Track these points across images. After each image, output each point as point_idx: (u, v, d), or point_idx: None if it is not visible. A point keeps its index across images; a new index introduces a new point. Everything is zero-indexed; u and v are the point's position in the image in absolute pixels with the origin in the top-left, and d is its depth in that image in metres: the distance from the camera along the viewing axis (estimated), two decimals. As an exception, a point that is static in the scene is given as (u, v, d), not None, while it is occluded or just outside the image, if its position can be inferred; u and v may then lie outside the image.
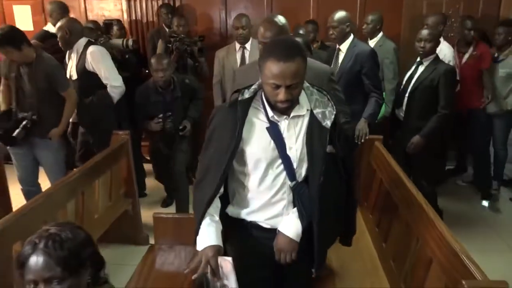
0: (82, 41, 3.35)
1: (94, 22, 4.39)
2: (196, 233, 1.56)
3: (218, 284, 1.50)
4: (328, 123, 1.53)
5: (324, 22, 4.59)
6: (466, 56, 3.87)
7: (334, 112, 1.55)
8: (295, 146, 1.54)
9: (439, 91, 3.12)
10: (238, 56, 3.69)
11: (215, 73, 3.82)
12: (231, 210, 1.67)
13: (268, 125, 1.53)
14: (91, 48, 3.31)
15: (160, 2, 4.90)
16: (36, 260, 1.16)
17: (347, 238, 1.85)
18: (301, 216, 1.56)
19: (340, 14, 3.20)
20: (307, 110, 1.56)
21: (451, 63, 3.68)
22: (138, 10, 5.03)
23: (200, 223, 1.55)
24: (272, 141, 1.52)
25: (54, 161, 3.24)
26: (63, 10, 4.05)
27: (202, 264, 1.47)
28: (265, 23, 1.98)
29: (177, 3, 4.93)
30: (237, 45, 3.71)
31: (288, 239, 1.57)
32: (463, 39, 3.81)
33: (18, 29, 3.05)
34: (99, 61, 3.29)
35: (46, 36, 3.95)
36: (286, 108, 1.49)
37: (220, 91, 3.78)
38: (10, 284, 1.86)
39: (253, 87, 1.57)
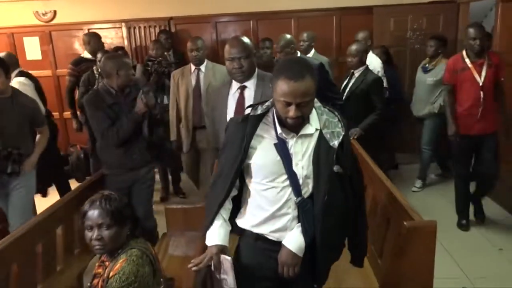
0: (16, 71, 3.98)
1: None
2: (206, 229, 1.67)
3: (218, 276, 1.64)
4: (335, 143, 1.57)
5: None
6: (484, 68, 3.43)
7: (343, 133, 1.60)
8: (302, 163, 1.58)
9: (371, 98, 3.69)
10: (193, 77, 3.73)
11: (171, 95, 3.84)
12: (239, 221, 1.74)
13: (276, 141, 1.59)
14: (15, 79, 3.84)
15: (157, 29, 5.47)
16: (93, 211, 1.66)
17: (358, 259, 1.85)
18: (305, 232, 1.60)
19: (282, 40, 3.66)
20: (316, 129, 1.60)
21: (379, 73, 4.16)
22: (138, 36, 5.59)
23: (211, 222, 1.65)
24: (279, 157, 1.58)
25: (27, 201, 3.08)
26: (98, 39, 4.71)
27: (206, 259, 1.60)
28: (231, 41, 2.33)
29: (173, 29, 5.50)
30: (192, 67, 3.75)
31: (292, 253, 1.62)
32: (471, 50, 3.46)
33: (6, 62, 3.05)
34: None
35: (81, 61, 4.61)
36: (296, 125, 1.55)
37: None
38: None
39: (266, 103, 1.64)
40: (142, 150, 3.02)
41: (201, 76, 3.73)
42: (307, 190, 1.61)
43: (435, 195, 4.49)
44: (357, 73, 3.79)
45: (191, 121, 3.74)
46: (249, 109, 1.66)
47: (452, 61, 3.60)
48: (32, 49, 5.77)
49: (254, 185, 1.66)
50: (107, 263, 1.71)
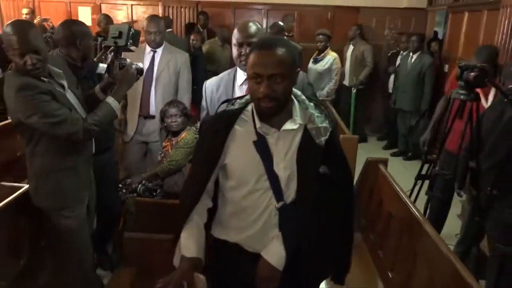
0: None
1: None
2: (176, 242, 1.51)
3: None
4: (322, 140, 1.41)
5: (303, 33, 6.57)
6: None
7: (330, 129, 1.44)
8: (284, 163, 1.42)
9: None
10: (147, 59, 3.33)
11: None
12: (215, 231, 1.58)
13: (255, 138, 1.43)
14: None
15: (187, 10, 6.83)
16: (171, 109, 3.05)
17: (340, 275, 1.65)
18: (286, 242, 1.45)
19: (275, 27, 4.34)
20: (300, 124, 1.44)
21: None
22: (171, 14, 6.93)
23: (179, 234, 1.49)
24: (258, 156, 1.42)
25: None
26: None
27: (176, 277, 1.35)
28: (240, 25, 2.02)
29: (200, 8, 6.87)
30: (148, 48, 3.35)
31: (270, 266, 1.46)
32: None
33: None
34: None
35: None
36: (270, 110, 1.38)
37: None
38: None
39: (245, 97, 1.50)
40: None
41: (157, 59, 3.35)
42: (289, 194, 1.45)
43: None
44: None
45: (138, 108, 3.35)
46: (225, 104, 1.53)
47: None
48: (84, 17, 7.13)
49: (230, 189, 1.50)
50: (173, 139, 3.11)
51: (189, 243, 1.45)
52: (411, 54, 5.43)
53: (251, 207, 1.47)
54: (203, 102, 2.14)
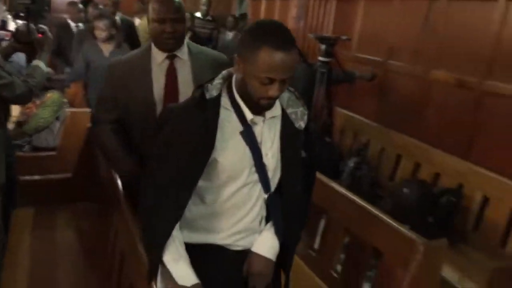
0: None
1: None
2: (155, 270, 1.31)
3: None
4: (301, 124, 1.35)
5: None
6: None
7: (306, 112, 1.38)
8: (271, 152, 1.32)
9: None
10: None
11: None
12: (186, 235, 1.35)
13: (241, 128, 1.28)
14: None
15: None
16: None
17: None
18: (277, 231, 1.38)
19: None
20: (281, 110, 1.34)
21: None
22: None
23: (160, 259, 1.27)
24: (247, 148, 1.28)
25: None
26: None
27: None
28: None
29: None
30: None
31: (265, 260, 1.37)
32: None
33: None
34: None
35: None
36: (270, 107, 1.26)
37: None
38: None
39: (216, 81, 1.29)
40: None
41: None
42: (274, 182, 1.37)
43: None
44: None
45: None
46: (199, 90, 1.30)
47: None
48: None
49: (215, 187, 1.33)
50: (36, 101, 3.35)
51: (182, 269, 1.28)
52: (227, 32, 6.47)
53: (241, 204, 1.34)
54: (107, 87, 1.88)
